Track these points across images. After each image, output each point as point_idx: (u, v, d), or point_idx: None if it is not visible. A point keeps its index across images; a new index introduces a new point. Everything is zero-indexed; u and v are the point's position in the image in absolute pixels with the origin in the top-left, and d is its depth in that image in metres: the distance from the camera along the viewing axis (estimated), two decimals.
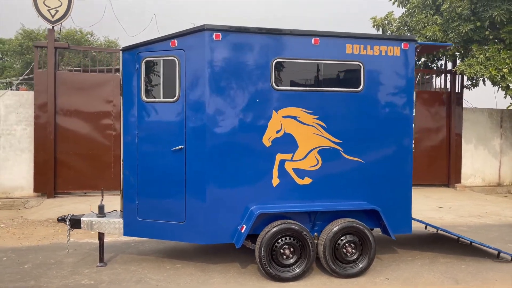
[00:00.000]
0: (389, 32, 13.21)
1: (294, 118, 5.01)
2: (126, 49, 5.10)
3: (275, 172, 4.99)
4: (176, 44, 4.86)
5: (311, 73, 5.10)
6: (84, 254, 5.74)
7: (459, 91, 12.61)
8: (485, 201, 10.66)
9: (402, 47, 5.24)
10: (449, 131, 12.44)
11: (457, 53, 11.98)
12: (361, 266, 4.97)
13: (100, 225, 5.17)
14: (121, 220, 5.15)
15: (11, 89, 11.06)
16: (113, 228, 5.17)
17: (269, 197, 4.99)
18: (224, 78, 4.82)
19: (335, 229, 4.90)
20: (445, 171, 12.46)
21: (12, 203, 9.13)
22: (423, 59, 13.26)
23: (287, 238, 4.83)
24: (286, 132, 5.00)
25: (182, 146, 4.88)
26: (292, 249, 4.85)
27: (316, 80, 5.11)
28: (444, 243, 6.41)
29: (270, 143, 4.96)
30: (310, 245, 4.82)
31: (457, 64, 11.54)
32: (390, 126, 5.28)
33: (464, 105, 12.90)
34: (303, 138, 5.04)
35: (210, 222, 4.85)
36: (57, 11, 9.22)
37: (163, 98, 4.96)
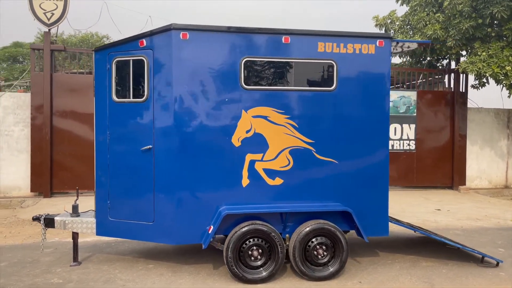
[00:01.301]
0: (392, 31, 13.01)
1: (265, 117, 4.94)
2: (98, 50, 5.13)
3: (244, 173, 4.93)
4: (145, 44, 4.86)
5: (282, 72, 5.02)
6: (63, 253, 5.79)
7: (463, 91, 12.29)
8: (487, 204, 10.34)
9: (377, 44, 5.11)
10: (452, 132, 12.13)
11: (463, 52, 11.70)
12: (331, 269, 4.85)
13: (73, 225, 5.20)
14: (93, 220, 5.17)
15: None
16: (86, 228, 5.19)
17: (239, 197, 4.93)
18: (191, 77, 4.79)
19: (305, 230, 4.80)
20: (449, 173, 12.15)
21: (9, 202, 9.32)
22: (428, 59, 12.99)
23: (256, 239, 4.76)
24: (256, 132, 4.94)
25: (151, 146, 4.87)
26: (260, 250, 4.77)
27: (287, 79, 5.02)
28: (430, 247, 6.21)
29: (239, 143, 4.90)
30: (278, 246, 4.73)
31: (460, 62, 11.25)
32: (365, 126, 5.15)
33: (470, 105, 12.58)
34: (274, 138, 4.96)
35: (178, 222, 4.82)
36: (52, 14, 9.38)
37: (133, 98, 4.96)
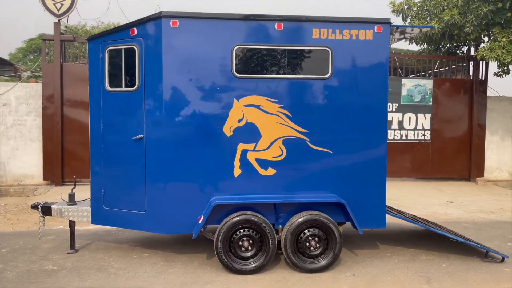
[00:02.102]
0: (409, 18, 12.58)
1: (257, 107, 4.84)
2: (91, 39, 5.12)
3: (236, 163, 4.86)
4: (136, 32, 4.82)
5: (275, 60, 4.88)
6: (63, 240, 5.88)
7: (483, 79, 11.79)
8: (504, 197, 9.94)
9: (375, 30, 4.91)
10: (471, 121, 11.69)
11: (485, 38, 11.20)
12: (323, 262, 4.75)
13: (69, 213, 5.27)
14: (89, 209, 5.22)
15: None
16: (82, 216, 5.25)
17: (231, 188, 4.87)
18: (182, 66, 4.72)
19: (296, 221, 4.71)
20: (466, 164, 11.74)
21: (22, 190, 9.58)
22: (448, 45, 12.52)
23: (246, 230, 4.70)
24: (248, 121, 4.84)
25: (142, 136, 4.85)
26: (251, 241, 4.71)
27: (280, 67, 4.89)
28: (434, 240, 6.00)
29: (231, 133, 4.83)
30: (269, 237, 4.66)
31: (479, 49, 10.77)
32: (362, 115, 4.98)
33: (490, 94, 12.07)
34: (266, 128, 4.86)
35: (169, 212, 4.81)
36: (62, 4, 9.47)
37: (125, 87, 4.94)
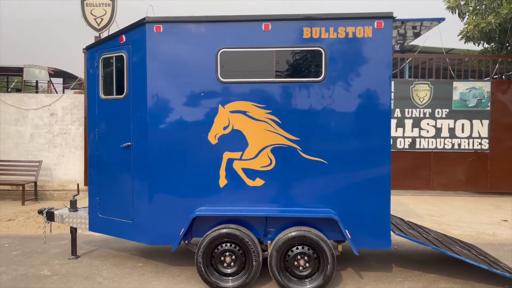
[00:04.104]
0: (467, 14, 11.47)
1: (243, 113, 4.55)
2: (88, 48, 5.21)
3: (222, 172, 4.59)
4: (124, 40, 4.79)
5: (263, 63, 4.56)
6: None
7: None
8: None
9: (375, 26, 4.39)
10: None
11: None
12: (311, 284, 4.28)
13: (70, 219, 5.37)
14: (87, 216, 5.27)
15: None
16: (80, 223, 5.32)
17: (217, 199, 4.61)
18: (166, 71, 4.59)
19: (283, 237, 4.32)
20: None
21: (65, 195, 10.13)
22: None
23: (229, 244, 4.41)
24: (234, 128, 4.57)
25: (130, 143, 4.79)
26: (234, 257, 4.40)
27: (268, 70, 4.55)
28: (461, 263, 5.19)
29: (216, 141, 4.58)
30: (252, 254, 4.32)
31: None
32: (361, 121, 4.46)
33: None
34: (253, 135, 4.55)
35: (153, 222, 4.67)
36: (102, 19, 9.95)
37: (116, 95, 4.93)
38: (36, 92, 15.40)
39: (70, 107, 10.42)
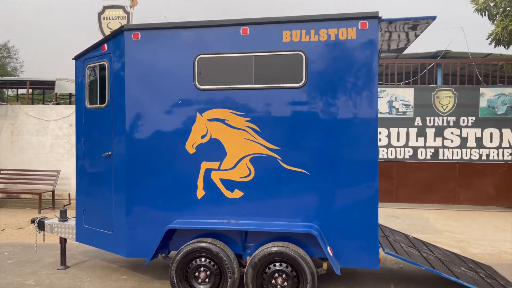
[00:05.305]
0: (497, 17, 10.75)
1: (222, 121, 4.36)
2: (76, 58, 5.22)
3: (200, 183, 4.41)
4: (106, 49, 4.75)
5: (241, 69, 4.35)
6: (69, 255, 5.93)
7: None
8: None
9: (359, 27, 4.08)
10: None
11: None
12: None
13: (58, 229, 5.35)
14: (74, 226, 5.24)
15: None
16: (68, 233, 5.29)
17: (194, 211, 4.42)
18: (144, 79, 4.50)
19: (260, 253, 4.06)
20: None
21: None
22: None
23: (203, 259, 4.19)
24: (212, 137, 4.38)
25: (110, 153, 4.71)
26: (208, 272, 4.18)
27: (247, 76, 4.34)
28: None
29: (194, 150, 4.41)
30: (227, 270, 4.08)
31: None
32: (345, 129, 4.14)
33: None
34: (232, 144, 4.34)
35: (131, 234, 4.54)
36: None
37: (99, 104, 4.89)
38: (69, 103, 15.94)
39: None
